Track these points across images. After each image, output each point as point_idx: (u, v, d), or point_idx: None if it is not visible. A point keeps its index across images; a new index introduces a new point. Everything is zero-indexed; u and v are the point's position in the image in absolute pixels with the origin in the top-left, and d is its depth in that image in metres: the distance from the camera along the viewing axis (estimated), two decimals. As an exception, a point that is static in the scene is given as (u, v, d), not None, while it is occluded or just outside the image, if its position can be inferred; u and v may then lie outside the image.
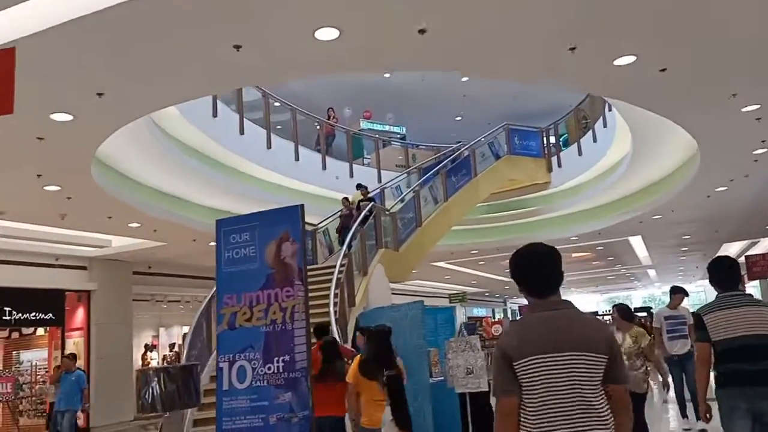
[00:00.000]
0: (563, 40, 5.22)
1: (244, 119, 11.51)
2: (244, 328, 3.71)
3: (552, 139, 16.39)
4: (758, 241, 22.64)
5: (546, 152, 16.21)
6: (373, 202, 11.63)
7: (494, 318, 40.65)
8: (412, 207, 13.04)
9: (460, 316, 36.39)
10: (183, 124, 9.63)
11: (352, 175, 14.99)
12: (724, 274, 3.67)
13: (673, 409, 8.87)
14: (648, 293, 50.95)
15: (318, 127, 14.71)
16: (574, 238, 17.01)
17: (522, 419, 2.15)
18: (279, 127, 13.65)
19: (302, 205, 4.01)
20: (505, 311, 44.14)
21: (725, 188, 12.06)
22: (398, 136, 18.29)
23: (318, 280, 9.74)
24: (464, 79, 18.94)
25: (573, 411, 2.10)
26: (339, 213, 12.07)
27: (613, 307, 6.18)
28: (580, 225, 16.25)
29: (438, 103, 19.78)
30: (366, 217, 11.09)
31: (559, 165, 15.79)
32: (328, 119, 15.41)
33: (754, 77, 6.48)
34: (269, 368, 3.60)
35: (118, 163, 9.58)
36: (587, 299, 50.49)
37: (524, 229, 17.24)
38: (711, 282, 3.74)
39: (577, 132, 15.37)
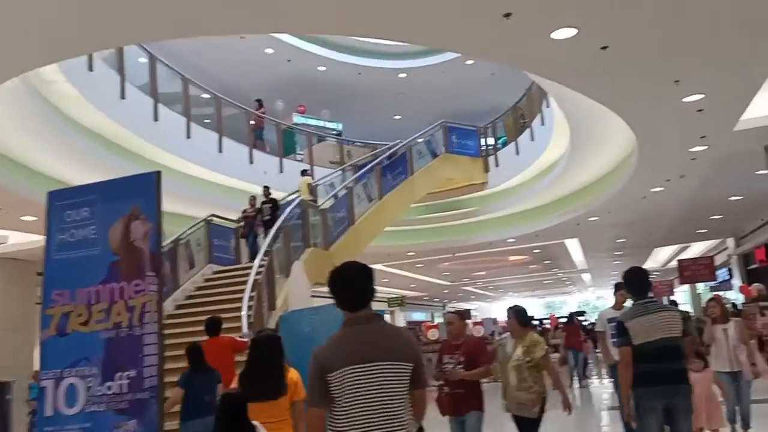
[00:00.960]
0: (498, 5, 4.61)
1: (159, 105, 10.49)
2: (78, 333, 2.84)
3: (491, 140, 16.05)
4: (688, 246, 23.13)
5: (483, 151, 15.84)
6: (274, 203, 10.75)
7: (433, 322, 40.51)
8: (345, 204, 12.32)
9: (399, 320, 35.96)
10: (82, 105, 8.58)
11: (282, 171, 14.14)
12: (640, 283, 4.05)
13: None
14: (583, 298, 52.02)
15: (249, 120, 13.79)
16: (511, 240, 16.72)
17: (330, 428, 2.32)
18: (207, 121, 12.70)
19: (158, 172, 3.18)
20: (444, 315, 43.99)
21: (661, 188, 11.91)
22: (334, 132, 17.57)
23: (236, 282, 8.93)
24: (402, 75, 18.48)
25: (377, 419, 2.29)
26: (243, 214, 11.07)
27: (509, 310, 5.05)
28: (517, 227, 15.96)
29: (376, 101, 19.18)
30: (270, 220, 10.31)
31: (497, 165, 15.43)
32: (257, 111, 14.51)
33: (700, 62, 6.10)
34: (109, 387, 2.78)
35: (10, 150, 8.49)
36: (524, 303, 51.04)
37: (461, 230, 16.83)
38: (627, 290, 4.22)
39: (515, 131, 15.05)
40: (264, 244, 9.13)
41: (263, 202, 10.76)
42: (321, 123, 17.54)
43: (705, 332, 6.48)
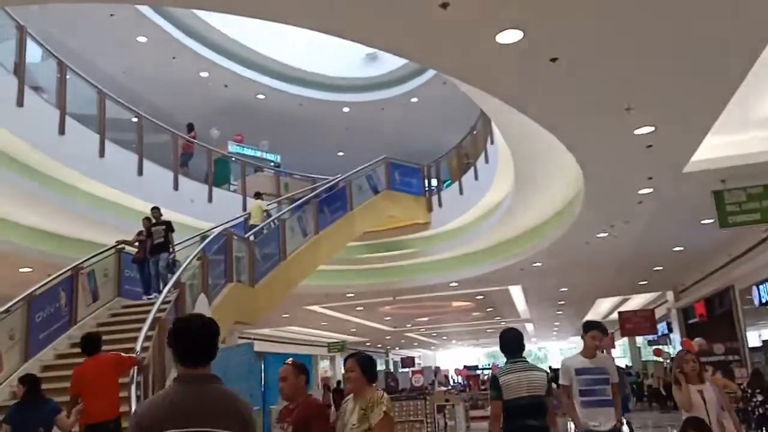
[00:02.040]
0: (435, -6, 3.96)
1: (67, 118, 9.41)
2: None
3: (434, 181, 15.51)
4: (629, 298, 23.05)
5: (427, 190, 15.29)
6: (167, 225, 9.65)
7: (374, 371, 39.15)
8: (276, 237, 11.38)
9: (340, 366, 34.52)
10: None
11: (210, 200, 13.13)
12: (513, 344, 4.38)
13: None
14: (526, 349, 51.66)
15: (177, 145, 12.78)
16: (453, 284, 16.05)
17: None
18: (134, 146, 11.66)
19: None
20: (387, 362, 42.71)
21: (605, 234, 11.52)
22: (272, 164, 16.71)
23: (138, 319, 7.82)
24: (345, 109, 17.93)
25: None
26: (137, 236, 9.87)
27: (350, 358, 3.73)
28: (460, 270, 15.32)
29: (318, 135, 18.53)
30: (162, 244, 9.34)
31: (440, 204, 14.88)
32: (188, 135, 13.55)
33: (656, 87, 5.61)
34: None
35: None
36: (467, 353, 50.30)
37: (403, 272, 16.06)
38: (501, 349, 4.42)
39: (459, 172, 14.56)
40: (174, 276, 8.05)
41: (153, 224, 9.65)
42: (259, 153, 16.67)
43: (678, 395, 4.94)
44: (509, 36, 4.52)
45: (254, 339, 22.65)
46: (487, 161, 12.17)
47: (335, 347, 29.60)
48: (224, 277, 9.41)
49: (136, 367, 5.97)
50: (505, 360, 4.43)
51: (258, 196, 13.00)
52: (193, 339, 2.24)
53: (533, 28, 4.46)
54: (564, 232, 11.35)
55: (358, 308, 19.46)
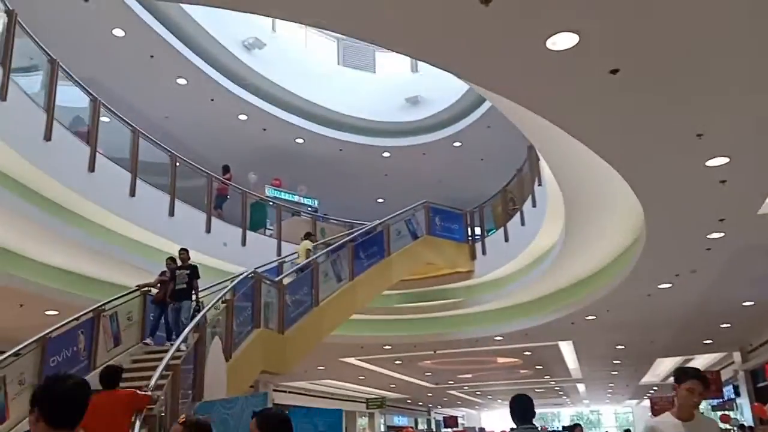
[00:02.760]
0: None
1: (97, 155, 9.17)
2: None
3: (477, 230, 14.70)
4: (692, 358, 21.28)
5: (470, 237, 14.51)
6: (192, 270, 9.04)
7: (416, 428, 37.40)
8: (309, 282, 10.76)
9: (379, 424, 33.07)
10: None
11: (244, 244, 12.68)
12: (523, 410, 4.08)
13: None
14: (576, 411, 48.84)
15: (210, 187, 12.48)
16: (498, 338, 15.00)
17: None
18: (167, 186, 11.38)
19: None
20: (428, 421, 40.85)
21: (669, 285, 10.48)
22: (309, 209, 16.29)
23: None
24: (385, 154, 17.48)
25: None
26: (160, 276, 9.28)
27: (254, 416, 2.71)
28: (506, 323, 14.30)
29: (358, 180, 18.08)
30: (185, 290, 8.72)
31: (484, 252, 14.03)
32: (223, 177, 13.27)
33: (733, 112, 4.84)
34: None
35: None
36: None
37: (444, 324, 15.14)
38: (511, 415, 4.15)
39: (504, 218, 13.76)
40: (194, 319, 7.48)
41: (178, 267, 9.08)
42: (296, 198, 16.30)
43: None
44: (562, 41, 3.87)
45: (289, 392, 21.83)
46: (534, 204, 11.37)
47: (374, 404, 28.37)
48: (251, 322, 8.79)
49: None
50: (515, 426, 4.19)
51: (308, 236, 12.60)
52: (65, 400, 2.03)
53: (590, 31, 3.81)
54: (621, 281, 10.37)
55: (396, 362, 18.48)
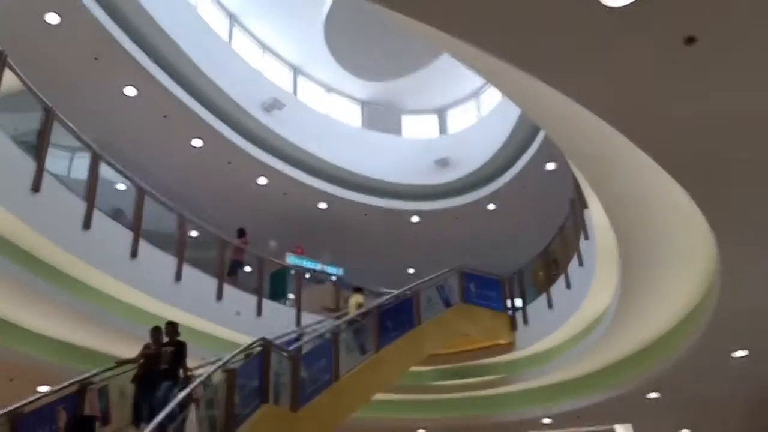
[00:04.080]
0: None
1: (95, 212, 8.35)
2: None
3: (518, 301, 13.28)
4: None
5: (509, 306, 13.11)
6: (178, 348, 7.75)
7: None
8: (328, 354, 9.51)
9: None
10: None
11: (260, 313, 11.55)
12: None
13: None
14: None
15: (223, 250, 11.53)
16: (546, 420, 13.23)
17: None
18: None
19: None
20: None
21: (745, 353, 8.91)
22: (333, 278, 15.16)
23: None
24: (414, 219, 16.45)
25: None
26: (144, 350, 7.98)
27: None
28: (554, 403, 12.62)
29: (385, 248, 16.99)
30: (167, 372, 7.46)
31: (525, 321, 12.60)
32: (238, 239, 12.34)
33: None
34: None
35: None
36: None
37: (484, 404, 13.50)
38: None
39: (546, 282, 12.39)
40: (177, 397, 6.25)
41: (163, 344, 7.83)
42: (319, 266, 15.24)
43: None
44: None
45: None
46: (581, 263, 10.08)
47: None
48: (258, 397, 7.51)
49: None
50: None
51: (358, 290, 11.91)
52: None
53: None
54: (689, 348, 8.86)
55: (431, 449, 16.59)
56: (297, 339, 11.10)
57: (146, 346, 7.91)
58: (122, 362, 7.87)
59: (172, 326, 7.88)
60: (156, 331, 7.96)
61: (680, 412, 12.43)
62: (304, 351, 9.37)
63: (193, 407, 5.10)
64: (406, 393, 13.32)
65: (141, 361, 7.72)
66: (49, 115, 7.71)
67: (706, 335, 8.22)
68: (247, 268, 12.32)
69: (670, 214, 6.52)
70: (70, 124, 8.12)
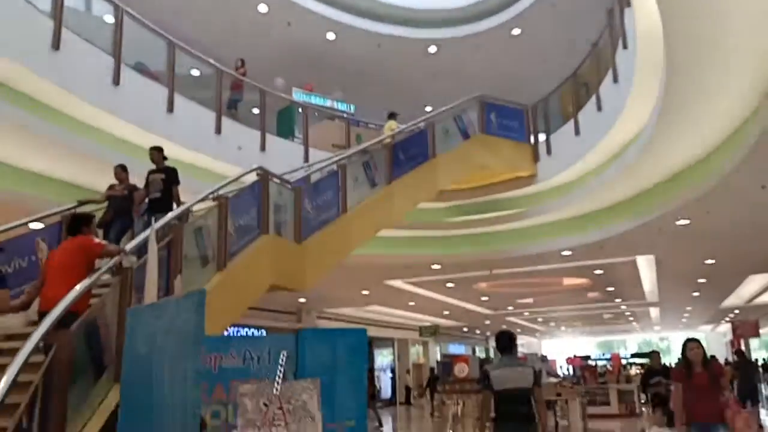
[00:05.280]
0: None
1: (63, 30, 7.36)
2: None
3: (541, 136, 12.31)
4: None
5: (532, 136, 12.23)
6: (169, 174, 6.96)
7: (474, 356, 36.21)
8: (335, 186, 8.92)
9: (434, 352, 31.92)
10: None
11: (263, 149, 10.89)
12: (506, 343, 5.38)
13: None
14: (644, 338, 46.47)
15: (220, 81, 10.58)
16: (566, 253, 12.89)
17: None
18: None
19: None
20: (486, 351, 39.69)
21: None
22: (344, 114, 14.25)
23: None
24: (431, 49, 15.08)
25: None
26: (108, 191, 7.14)
27: None
28: (576, 235, 12.14)
29: (400, 84, 15.82)
30: (159, 201, 6.74)
31: (549, 152, 11.77)
32: (237, 71, 11.35)
33: None
34: None
35: None
36: (576, 342, 45.91)
37: (502, 239, 13.11)
38: (496, 346, 5.53)
39: (574, 107, 11.33)
40: (163, 219, 5.68)
41: (152, 171, 7.07)
42: (328, 103, 14.26)
43: None
44: None
45: (335, 319, 20.61)
46: (615, 79, 8.99)
47: (427, 331, 27.09)
48: (257, 228, 7.03)
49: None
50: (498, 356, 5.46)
51: (392, 116, 11.75)
52: None
53: None
54: (730, 170, 8.03)
55: (448, 285, 16.72)
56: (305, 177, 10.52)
57: (111, 187, 7.17)
58: (84, 202, 7.06)
59: (158, 151, 7.18)
60: (122, 170, 7.16)
61: (706, 242, 11.92)
62: (307, 182, 8.77)
63: (153, 242, 4.54)
64: (423, 230, 12.98)
65: (107, 201, 6.98)
66: None
67: (750, 155, 7.38)
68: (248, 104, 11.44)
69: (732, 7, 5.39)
70: None
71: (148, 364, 3.17)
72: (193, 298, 2.92)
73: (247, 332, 16.04)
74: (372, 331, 23.12)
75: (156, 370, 3.07)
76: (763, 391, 23.96)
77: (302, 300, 17.57)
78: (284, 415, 2.59)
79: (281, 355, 2.89)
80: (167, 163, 7.30)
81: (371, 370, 24.89)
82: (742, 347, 24.10)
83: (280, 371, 2.69)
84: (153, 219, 5.60)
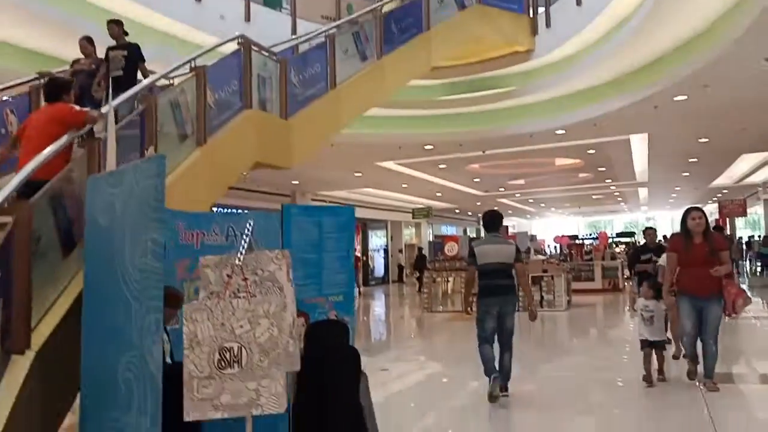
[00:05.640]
0: None
1: None
2: None
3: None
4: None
5: (531, 8, 11.62)
6: (131, 51, 6.34)
7: (465, 236, 37.09)
8: (323, 59, 8.50)
9: (426, 234, 32.63)
10: None
11: (248, 18, 10.31)
12: (492, 221, 5.83)
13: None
14: (631, 218, 47.44)
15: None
16: (560, 131, 12.71)
17: None
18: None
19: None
20: (477, 231, 40.55)
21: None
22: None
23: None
24: None
25: None
26: (72, 67, 6.46)
27: None
28: (570, 112, 11.90)
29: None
30: (122, 78, 6.08)
31: (548, 24, 11.26)
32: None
33: None
34: None
35: None
36: (565, 222, 46.92)
37: (495, 117, 12.85)
38: (482, 225, 6.02)
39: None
40: (136, 87, 5.38)
41: (111, 48, 6.43)
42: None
43: None
44: None
45: (329, 201, 20.72)
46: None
47: (420, 213, 27.49)
48: (239, 102, 6.77)
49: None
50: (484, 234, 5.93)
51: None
52: None
53: None
54: (731, 44, 7.70)
55: (440, 166, 16.66)
56: (294, 50, 10.04)
57: (76, 62, 6.53)
58: (45, 74, 6.01)
59: (118, 25, 6.58)
60: (88, 42, 6.49)
61: (701, 120, 11.73)
62: (295, 55, 8.36)
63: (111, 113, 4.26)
64: (415, 109, 12.68)
65: (72, 76, 6.44)
66: None
67: (751, 27, 7.05)
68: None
69: None
70: None
71: (109, 234, 3.05)
72: (153, 162, 2.77)
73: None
74: (366, 213, 23.40)
75: (117, 241, 2.93)
76: (747, 267, 24.91)
77: (296, 182, 17.54)
78: (248, 286, 2.56)
79: (247, 225, 2.81)
80: (129, 39, 6.74)
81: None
82: (727, 227, 24.69)
83: (245, 242, 2.63)
84: (110, 98, 5.17)
